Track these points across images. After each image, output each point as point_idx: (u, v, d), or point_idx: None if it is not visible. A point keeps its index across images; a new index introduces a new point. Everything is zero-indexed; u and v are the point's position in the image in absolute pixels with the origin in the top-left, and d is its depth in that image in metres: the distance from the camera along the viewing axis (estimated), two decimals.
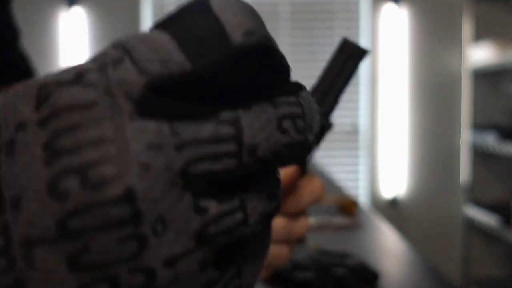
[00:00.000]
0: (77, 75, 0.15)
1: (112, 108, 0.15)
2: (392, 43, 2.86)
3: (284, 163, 0.17)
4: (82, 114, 0.14)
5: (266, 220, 0.17)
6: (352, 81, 2.95)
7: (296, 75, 2.90)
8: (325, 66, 0.43)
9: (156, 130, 0.15)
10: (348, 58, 0.41)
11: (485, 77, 2.82)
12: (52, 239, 0.14)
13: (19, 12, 2.80)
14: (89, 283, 0.14)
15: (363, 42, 2.92)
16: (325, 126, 0.41)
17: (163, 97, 0.15)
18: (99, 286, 0.14)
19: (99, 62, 0.15)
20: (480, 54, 2.64)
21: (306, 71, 2.92)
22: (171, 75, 0.15)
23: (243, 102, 0.16)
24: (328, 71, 0.41)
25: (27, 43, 2.79)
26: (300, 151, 0.17)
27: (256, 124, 0.16)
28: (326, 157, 2.87)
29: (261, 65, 0.16)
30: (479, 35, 2.76)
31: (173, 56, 0.15)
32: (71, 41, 2.81)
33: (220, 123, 0.15)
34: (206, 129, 0.15)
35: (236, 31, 0.16)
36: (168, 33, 0.16)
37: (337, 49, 0.41)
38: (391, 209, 2.89)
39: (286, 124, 0.16)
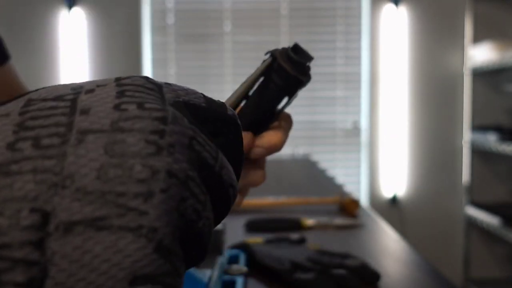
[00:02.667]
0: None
1: None
2: (392, 43, 2.86)
3: None
4: None
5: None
6: (354, 81, 2.95)
7: None
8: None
9: None
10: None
11: (485, 77, 2.81)
12: None
13: (19, 13, 2.80)
14: None
15: (364, 43, 2.92)
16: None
17: None
18: None
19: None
20: (480, 54, 2.64)
21: None
22: None
23: None
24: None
25: (27, 45, 2.78)
26: None
27: None
28: (326, 156, 2.87)
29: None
30: (479, 35, 2.76)
31: None
32: (71, 42, 2.80)
33: None
34: None
35: None
36: None
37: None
38: (391, 209, 2.88)
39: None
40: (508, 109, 2.82)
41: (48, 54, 2.83)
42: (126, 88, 0.23)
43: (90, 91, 0.23)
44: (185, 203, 0.21)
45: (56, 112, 0.22)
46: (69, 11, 2.80)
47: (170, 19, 2.91)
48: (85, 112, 0.22)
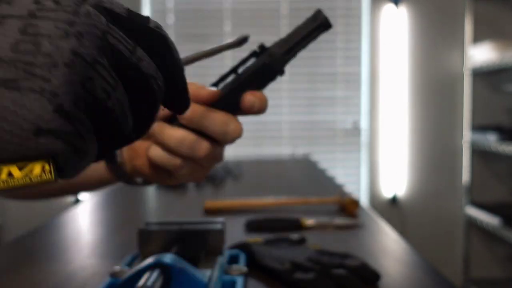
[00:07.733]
0: None
1: None
2: (392, 43, 2.86)
3: None
4: None
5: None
6: (354, 81, 2.95)
7: (295, 74, 2.90)
8: (297, 26, 0.52)
9: None
10: (318, 26, 0.52)
11: (485, 77, 2.81)
12: None
13: None
14: None
15: (364, 43, 2.92)
16: (277, 70, 0.50)
17: None
18: None
19: None
20: (480, 54, 2.64)
21: (306, 69, 2.92)
22: None
23: None
24: (298, 29, 0.51)
25: None
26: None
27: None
28: (326, 156, 2.87)
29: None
30: (479, 35, 2.76)
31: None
32: None
33: None
34: None
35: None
36: None
37: (311, 16, 0.51)
38: (391, 209, 2.88)
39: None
40: (508, 109, 2.82)
41: None
42: None
43: None
44: (92, 82, 0.25)
45: None
46: None
47: (170, 19, 2.91)
48: (8, 2, 0.26)
